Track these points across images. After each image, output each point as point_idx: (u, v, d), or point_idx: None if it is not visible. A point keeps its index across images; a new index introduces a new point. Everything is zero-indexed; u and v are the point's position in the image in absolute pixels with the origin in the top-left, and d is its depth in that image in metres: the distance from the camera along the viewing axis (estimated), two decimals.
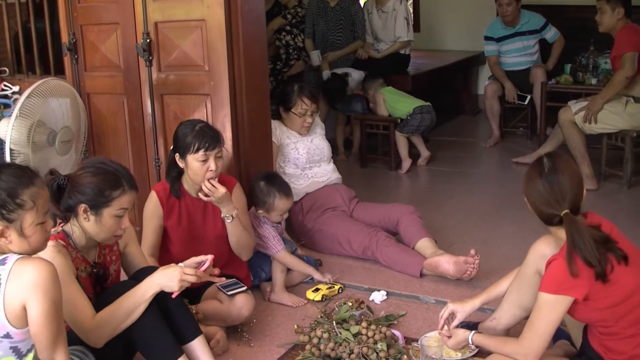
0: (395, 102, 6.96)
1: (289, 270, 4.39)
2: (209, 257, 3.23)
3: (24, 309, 2.56)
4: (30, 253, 2.67)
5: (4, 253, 2.64)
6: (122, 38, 4.72)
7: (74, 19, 4.92)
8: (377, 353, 3.43)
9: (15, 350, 2.63)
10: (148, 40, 4.54)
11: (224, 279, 3.48)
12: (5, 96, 5.44)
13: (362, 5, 8.09)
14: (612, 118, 5.96)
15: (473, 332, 3.31)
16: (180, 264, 3.22)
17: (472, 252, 4.26)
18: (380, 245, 4.61)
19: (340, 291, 4.28)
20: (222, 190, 3.87)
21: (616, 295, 2.84)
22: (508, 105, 7.92)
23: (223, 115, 4.40)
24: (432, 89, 8.33)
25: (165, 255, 4.05)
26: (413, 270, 4.46)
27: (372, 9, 7.87)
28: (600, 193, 5.97)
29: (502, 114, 7.96)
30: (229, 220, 3.96)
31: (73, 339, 3.02)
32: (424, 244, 4.59)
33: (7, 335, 2.59)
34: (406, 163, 6.91)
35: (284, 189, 4.38)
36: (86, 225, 3.18)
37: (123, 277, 3.52)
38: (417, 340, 3.54)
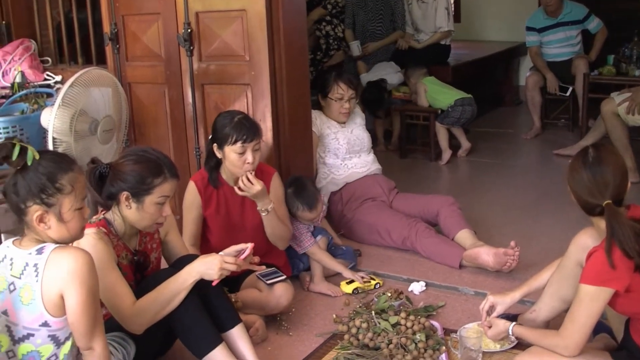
0: (436, 93, 6.92)
1: None
2: (249, 246, 3.24)
3: (62, 298, 2.59)
4: (68, 240, 2.70)
5: (42, 241, 2.67)
6: (163, 28, 4.74)
7: (116, 9, 4.95)
8: (416, 344, 3.42)
9: (53, 338, 2.66)
10: (189, 30, 4.56)
11: (263, 267, 3.49)
12: (48, 85, 5.50)
13: None
14: None
15: (513, 323, 3.29)
16: (220, 253, 3.24)
17: (512, 243, 4.24)
18: (419, 236, 4.60)
19: (377, 287, 4.24)
20: (257, 186, 3.87)
21: None
22: (549, 97, 7.83)
23: (263, 105, 4.41)
24: (472, 80, 8.26)
25: (205, 244, 4.09)
26: (452, 261, 4.44)
27: (412, 0, 7.82)
28: None
29: (544, 106, 7.88)
30: (264, 214, 3.97)
31: (113, 325, 3.06)
32: (464, 235, 4.57)
33: (45, 324, 2.63)
34: (446, 154, 6.88)
35: (309, 201, 4.33)
36: (128, 213, 3.21)
37: (163, 265, 3.54)
38: (456, 332, 3.52)
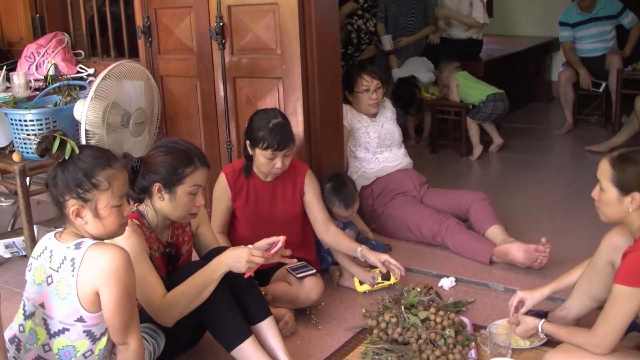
0: (468, 88, 6.89)
1: None
2: (280, 239, 3.24)
3: (97, 295, 2.61)
4: (105, 237, 2.72)
5: (81, 235, 2.69)
6: (195, 21, 4.76)
7: (148, 2, 4.98)
8: (445, 339, 3.41)
9: (88, 334, 2.69)
10: (221, 24, 4.57)
11: (295, 260, 3.49)
12: (81, 78, 5.53)
13: None
14: None
15: (543, 320, 3.27)
16: (252, 245, 3.25)
17: (543, 240, 4.21)
18: (450, 232, 4.59)
19: (390, 286, 4.17)
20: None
21: None
22: (582, 93, 7.77)
23: (295, 99, 4.41)
24: (504, 75, 8.21)
25: (235, 236, 4.11)
26: (483, 257, 4.42)
27: None
28: None
29: (576, 101, 7.81)
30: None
31: (144, 317, 3.07)
32: (495, 231, 4.55)
33: (81, 319, 2.65)
34: (477, 150, 6.85)
35: (346, 200, 4.35)
36: (161, 205, 3.23)
37: (195, 258, 3.56)
38: (485, 328, 3.51)
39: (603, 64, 7.42)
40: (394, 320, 3.56)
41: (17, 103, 4.82)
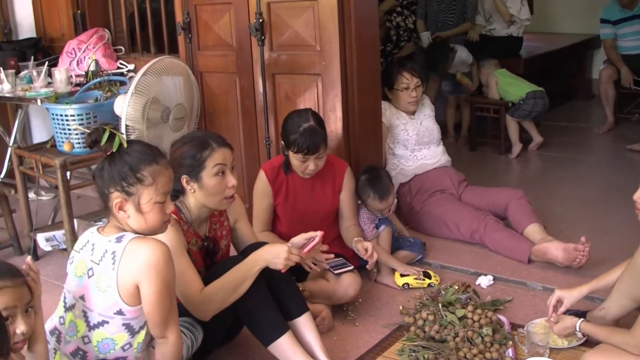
0: (507, 86, 6.84)
1: (393, 251, 4.39)
2: (318, 234, 3.25)
3: (137, 288, 2.63)
4: (146, 232, 2.74)
5: (123, 229, 2.72)
6: (235, 18, 4.78)
7: None
8: (482, 337, 3.40)
9: (127, 327, 2.71)
10: (261, 20, 4.59)
11: (332, 256, 3.49)
12: (121, 74, 5.57)
13: None
14: None
15: (581, 319, 3.25)
16: (290, 241, 3.25)
17: (583, 239, 4.17)
18: (488, 230, 4.56)
19: (430, 286, 4.17)
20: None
21: None
22: (623, 91, 7.66)
23: (334, 96, 4.41)
24: (544, 72, 8.15)
25: (274, 232, 4.13)
26: (521, 255, 4.39)
27: None
28: None
29: (617, 100, 7.71)
30: None
31: (183, 311, 3.08)
32: (533, 230, 4.52)
33: (120, 312, 2.67)
34: (516, 148, 6.80)
35: (381, 192, 4.31)
36: (195, 197, 3.26)
37: (233, 253, 3.58)
38: (523, 327, 3.49)
39: None
40: (431, 317, 3.55)
41: (58, 98, 4.88)
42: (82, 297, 2.72)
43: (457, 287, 3.93)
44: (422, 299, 3.86)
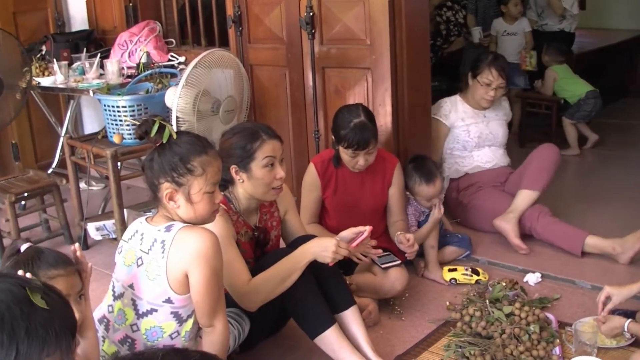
0: (566, 83, 6.74)
1: (440, 247, 4.37)
2: (367, 228, 3.25)
3: (186, 277, 2.66)
4: (195, 221, 2.76)
5: (172, 219, 2.75)
6: (285, 11, 4.79)
7: None
8: (529, 335, 3.37)
9: (175, 315, 2.74)
10: (311, 14, 4.60)
11: (380, 250, 3.49)
12: (172, 66, 5.61)
13: None
14: None
15: (629, 320, 3.21)
16: (339, 235, 3.26)
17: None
18: (540, 217, 4.51)
19: (477, 283, 4.14)
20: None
21: None
22: None
23: (383, 90, 4.41)
24: (596, 68, 8.04)
25: (322, 225, 4.14)
26: (574, 244, 4.36)
27: None
28: None
29: None
30: None
31: (230, 302, 3.11)
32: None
33: (169, 300, 2.70)
34: (574, 151, 6.62)
35: (427, 175, 4.28)
36: (244, 187, 3.28)
37: (282, 245, 3.60)
38: (571, 325, 3.46)
39: None
40: (478, 314, 3.54)
41: (110, 90, 4.94)
42: (131, 286, 2.75)
43: (504, 284, 3.91)
44: (469, 295, 3.85)
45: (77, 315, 2.41)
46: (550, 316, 3.61)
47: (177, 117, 4.30)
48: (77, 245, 2.66)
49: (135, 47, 5.77)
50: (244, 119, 4.79)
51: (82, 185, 5.39)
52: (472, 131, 4.92)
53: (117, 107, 4.58)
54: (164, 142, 2.71)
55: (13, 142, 6.23)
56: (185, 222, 2.74)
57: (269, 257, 3.27)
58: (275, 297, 3.15)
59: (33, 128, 6.50)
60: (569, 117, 6.67)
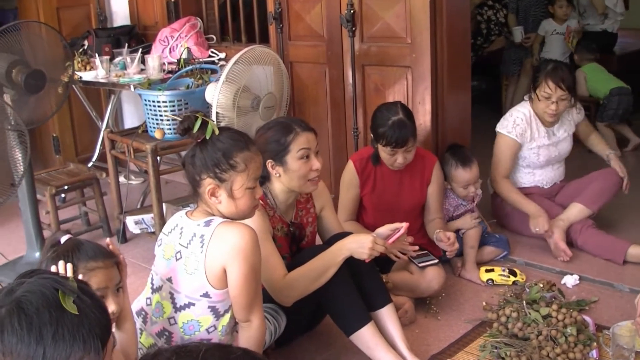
0: (595, 82, 6.67)
1: (480, 246, 4.36)
2: (403, 225, 3.25)
3: (224, 271, 2.67)
4: (236, 217, 2.78)
5: (212, 214, 2.76)
6: (326, 9, 4.80)
7: None
8: (566, 337, 3.35)
9: (213, 309, 2.75)
10: (352, 12, 4.60)
11: (416, 247, 3.49)
12: (212, 62, 5.64)
13: None
14: None
15: None
16: (375, 231, 3.26)
17: None
18: (583, 230, 4.47)
19: (514, 284, 4.10)
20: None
21: None
22: None
23: (423, 89, 4.40)
24: (638, 70, 7.94)
25: (359, 222, 4.15)
26: (615, 255, 4.31)
27: None
28: None
29: None
30: None
31: (266, 297, 3.12)
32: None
33: (206, 295, 2.71)
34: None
35: (463, 160, 4.30)
36: (281, 181, 3.30)
37: (319, 240, 3.61)
38: (608, 328, 3.42)
39: None
40: (514, 314, 3.52)
41: (151, 85, 4.98)
42: (169, 279, 2.77)
43: (542, 285, 3.88)
44: (506, 295, 3.84)
45: (114, 307, 2.45)
46: (588, 319, 3.58)
47: (217, 113, 4.33)
48: (110, 239, 2.68)
49: (176, 42, 5.81)
50: (283, 115, 4.80)
51: (122, 179, 5.46)
52: (542, 154, 4.68)
53: (158, 102, 4.61)
54: (207, 137, 2.72)
55: (54, 135, 6.32)
56: (225, 217, 2.75)
57: (305, 253, 3.29)
58: (310, 292, 3.16)
59: (74, 122, 6.57)
60: (600, 119, 6.57)
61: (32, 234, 4.57)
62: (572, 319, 3.44)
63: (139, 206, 5.47)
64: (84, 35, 6.18)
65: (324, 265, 3.15)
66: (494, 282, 4.13)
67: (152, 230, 4.72)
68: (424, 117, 4.42)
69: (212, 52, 5.83)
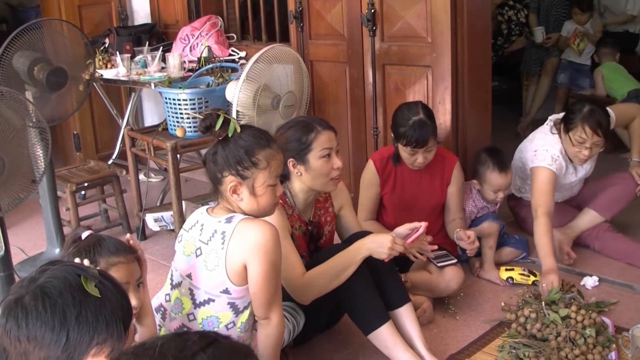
0: (612, 81, 6.60)
1: (497, 248, 4.35)
2: (422, 224, 3.24)
3: (245, 268, 2.68)
4: (257, 214, 2.79)
5: (233, 211, 2.77)
6: (347, 8, 4.80)
7: None
8: (585, 338, 3.33)
9: (232, 306, 2.76)
10: (372, 11, 4.60)
11: (435, 247, 3.48)
12: (233, 61, 5.65)
13: None
14: None
15: None
16: (394, 230, 3.26)
17: None
18: (599, 235, 4.45)
19: (533, 284, 4.08)
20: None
21: None
22: None
23: (443, 88, 4.40)
24: None
25: (379, 222, 4.15)
26: (635, 259, 4.27)
27: None
28: None
29: None
30: None
31: (285, 295, 3.12)
32: None
33: (226, 291, 2.72)
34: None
35: (501, 164, 4.26)
36: (301, 180, 3.31)
37: (337, 239, 3.61)
38: (628, 330, 3.40)
39: None
40: (533, 315, 3.51)
41: (171, 83, 4.99)
42: (189, 276, 2.78)
43: (561, 286, 3.87)
44: (525, 296, 3.82)
45: (135, 302, 2.46)
46: (607, 320, 3.56)
47: (238, 112, 4.34)
48: (130, 234, 2.70)
49: (196, 41, 5.83)
50: (303, 114, 4.81)
51: (142, 176, 5.48)
52: (566, 184, 4.55)
53: (178, 100, 4.63)
54: (229, 135, 2.73)
55: (75, 133, 6.36)
56: (246, 214, 2.77)
57: (324, 252, 3.29)
58: (329, 291, 3.16)
59: (94, 119, 6.61)
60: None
61: (52, 230, 4.60)
62: (591, 321, 3.42)
63: (158, 204, 5.49)
64: (105, 34, 6.22)
65: (342, 264, 3.15)
66: (514, 281, 4.12)
67: (172, 227, 4.73)
68: (444, 117, 4.42)
69: (232, 50, 5.85)
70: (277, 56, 4.50)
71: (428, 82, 4.48)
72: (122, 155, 5.74)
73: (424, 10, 4.40)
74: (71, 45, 4.44)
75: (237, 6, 6.07)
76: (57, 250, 4.52)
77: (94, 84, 5.71)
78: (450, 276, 3.80)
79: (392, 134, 4.02)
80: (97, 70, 5.45)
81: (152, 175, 6.26)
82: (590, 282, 4.10)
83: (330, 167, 3.28)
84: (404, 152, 3.95)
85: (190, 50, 5.82)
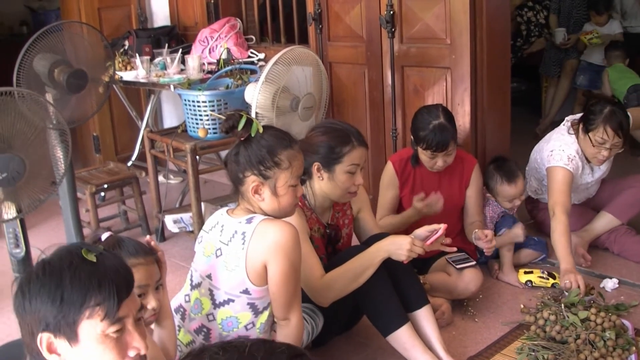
0: (616, 81, 6.59)
1: (516, 249, 4.33)
2: (442, 226, 3.23)
3: (265, 268, 2.69)
4: (277, 214, 2.80)
5: (253, 211, 2.78)
6: (366, 9, 4.80)
7: None
8: (605, 341, 3.32)
9: (252, 306, 2.77)
10: (391, 12, 4.60)
11: (454, 249, 3.47)
12: (252, 63, 5.67)
13: None
14: None
15: None
16: (414, 232, 3.25)
17: None
18: (617, 238, 4.44)
19: (553, 286, 4.06)
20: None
21: None
22: None
23: (462, 90, 4.39)
24: None
25: None
26: None
27: None
28: None
29: None
30: None
31: (304, 297, 3.12)
32: None
33: (246, 291, 2.73)
34: None
35: (508, 175, 4.25)
36: (321, 184, 3.30)
37: (355, 242, 3.61)
38: None
39: None
40: (552, 318, 3.49)
41: (190, 85, 5.01)
42: (208, 276, 2.80)
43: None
44: (544, 298, 3.80)
45: (155, 304, 2.47)
46: (627, 323, 3.54)
47: (257, 113, 4.36)
48: (150, 236, 2.71)
49: (215, 43, 5.84)
50: (322, 116, 4.82)
51: (161, 178, 5.50)
52: (583, 185, 4.51)
53: (198, 102, 4.64)
54: (252, 135, 2.74)
55: (94, 134, 6.39)
56: (267, 214, 2.78)
57: (343, 254, 3.29)
58: (348, 293, 3.16)
59: (114, 121, 6.64)
60: None
61: (72, 231, 4.62)
62: (611, 323, 3.41)
63: (177, 205, 5.51)
64: (124, 36, 6.25)
65: (362, 266, 3.15)
66: (533, 284, 4.11)
67: (191, 229, 4.75)
68: (463, 119, 4.41)
69: (251, 52, 5.86)
70: (296, 58, 4.51)
71: (447, 83, 4.47)
72: (142, 156, 5.76)
73: (443, 11, 4.39)
74: (91, 48, 4.46)
75: (256, 8, 6.09)
76: None
77: (114, 86, 5.72)
78: (469, 278, 3.79)
79: (412, 137, 4.01)
80: (116, 72, 5.49)
81: (172, 176, 6.28)
82: (610, 284, 4.08)
83: (352, 183, 3.29)
84: (424, 155, 3.94)
85: (210, 52, 5.84)
